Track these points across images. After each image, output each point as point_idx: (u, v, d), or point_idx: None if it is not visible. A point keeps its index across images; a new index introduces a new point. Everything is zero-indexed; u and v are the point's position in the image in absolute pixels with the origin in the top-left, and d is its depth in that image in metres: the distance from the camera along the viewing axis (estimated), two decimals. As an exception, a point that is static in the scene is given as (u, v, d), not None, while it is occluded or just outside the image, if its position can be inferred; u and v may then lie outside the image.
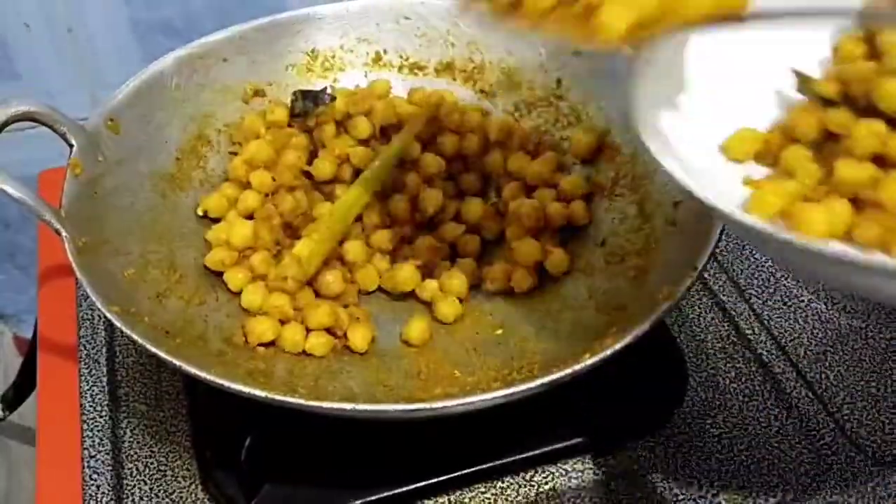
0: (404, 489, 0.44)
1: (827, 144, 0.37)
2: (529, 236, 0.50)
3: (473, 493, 0.44)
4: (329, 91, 0.55)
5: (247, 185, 0.52)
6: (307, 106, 0.55)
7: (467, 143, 0.54)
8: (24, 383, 0.59)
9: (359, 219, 0.52)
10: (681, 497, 0.44)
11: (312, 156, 0.55)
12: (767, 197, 0.35)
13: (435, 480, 0.44)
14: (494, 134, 0.54)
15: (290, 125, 0.55)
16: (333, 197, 0.53)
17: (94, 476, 0.45)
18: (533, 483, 0.45)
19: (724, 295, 0.53)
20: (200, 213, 0.52)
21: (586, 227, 0.52)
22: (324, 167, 0.54)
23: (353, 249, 0.50)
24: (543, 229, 0.51)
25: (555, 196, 0.52)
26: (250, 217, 0.51)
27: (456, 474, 0.44)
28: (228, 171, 0.53)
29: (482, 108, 0.56)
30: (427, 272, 0.50)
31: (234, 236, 0.50)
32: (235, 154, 0.54)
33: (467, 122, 0.55)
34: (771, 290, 0.53)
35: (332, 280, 0.49)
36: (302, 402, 0.38)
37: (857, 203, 0.34)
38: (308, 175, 0.54)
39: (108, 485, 0.45)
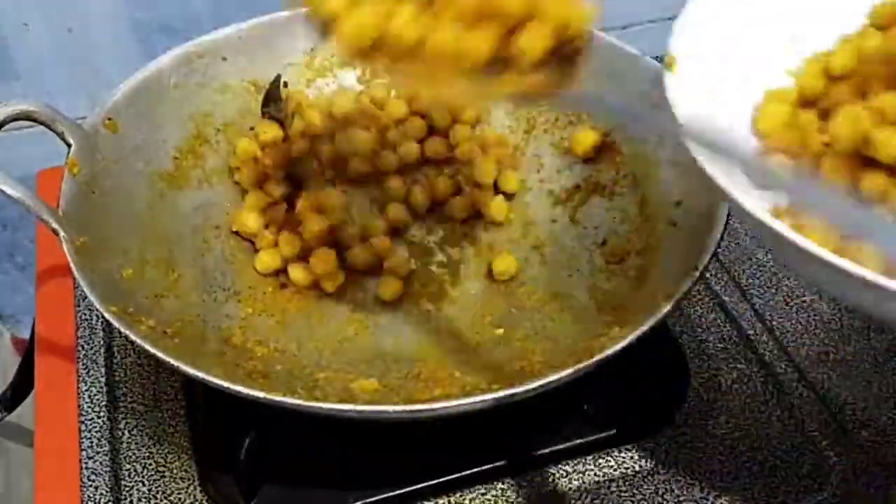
0: (404, 490, 0.44)
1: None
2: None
3: (473, 495, 0.44)
4: (278, 82, 0.55)
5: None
6: (276, 106, 0.54)
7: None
8: (22, 384, 0.59)
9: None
10: (682, 498, 0.44)
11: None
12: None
13: (435, 482, 0.44)
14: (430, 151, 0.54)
15: (284, 140, 0.54)
16: None
17: (93, 477, 0.45)
18: (533, 484, 0.44)
19: (725, 295, 0.53)
20: (235, 229, 0.52)
21: (580, 224, 0.52)
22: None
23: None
24: None
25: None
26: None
27: (456, 475, 0.44)
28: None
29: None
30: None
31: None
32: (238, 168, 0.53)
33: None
34: (773, 291, 0.53)
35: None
36: (301, 402, 0.38)
37: None
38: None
39: (107, 486, 0.45)
